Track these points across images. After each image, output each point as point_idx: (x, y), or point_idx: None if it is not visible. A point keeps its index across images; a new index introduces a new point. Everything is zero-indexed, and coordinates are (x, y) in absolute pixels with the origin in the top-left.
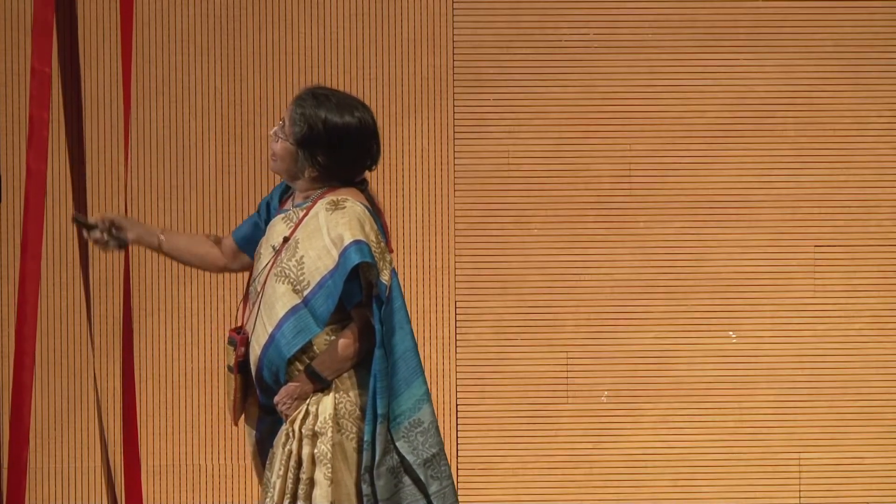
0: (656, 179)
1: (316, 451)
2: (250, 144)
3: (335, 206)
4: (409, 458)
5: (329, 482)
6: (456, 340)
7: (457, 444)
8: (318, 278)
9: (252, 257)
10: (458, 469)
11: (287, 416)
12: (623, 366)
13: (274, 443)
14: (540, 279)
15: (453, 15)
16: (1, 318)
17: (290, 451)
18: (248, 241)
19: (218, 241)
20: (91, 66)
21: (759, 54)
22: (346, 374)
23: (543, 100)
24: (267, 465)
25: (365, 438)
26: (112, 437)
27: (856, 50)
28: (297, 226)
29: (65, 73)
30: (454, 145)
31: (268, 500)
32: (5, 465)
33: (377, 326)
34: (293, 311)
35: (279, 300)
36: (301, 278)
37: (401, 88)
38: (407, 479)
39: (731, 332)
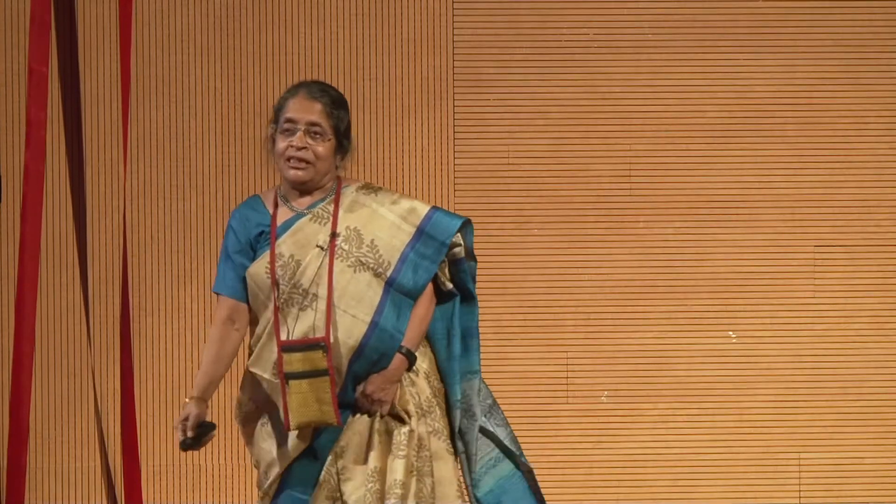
0: (656, 179)
1: (429, 428)
2: (250, 144)
3: (370, 188)
4: (477, 410)
5: (453, 455)
6: None
7: None
8: (397, 256)
9: (251, 301)
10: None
11: (381, 401)
12: (623, 366)
13: (346, 434)
14: (540, 279)
15: (453, 15)
16: (0, 318)
17: (411, 430)
18: (241, 292)
19: (229, 325)
20: (90, 66)
21: (759, 54)
22: (421, 354)
23: (543, 100)
24: (336, 454)
25: (456, 398)
26: (112, 437)
27: (856, 50)
28: (335, 218)
29: (64, 73)
30: (454, 145)
31: (368, 485)
32: (4, 465)
33: (470, 286)
34: (385, 294)
35: (369, 288)
36: (380, 261)
37: (401, 88)
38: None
39: (731, 332)
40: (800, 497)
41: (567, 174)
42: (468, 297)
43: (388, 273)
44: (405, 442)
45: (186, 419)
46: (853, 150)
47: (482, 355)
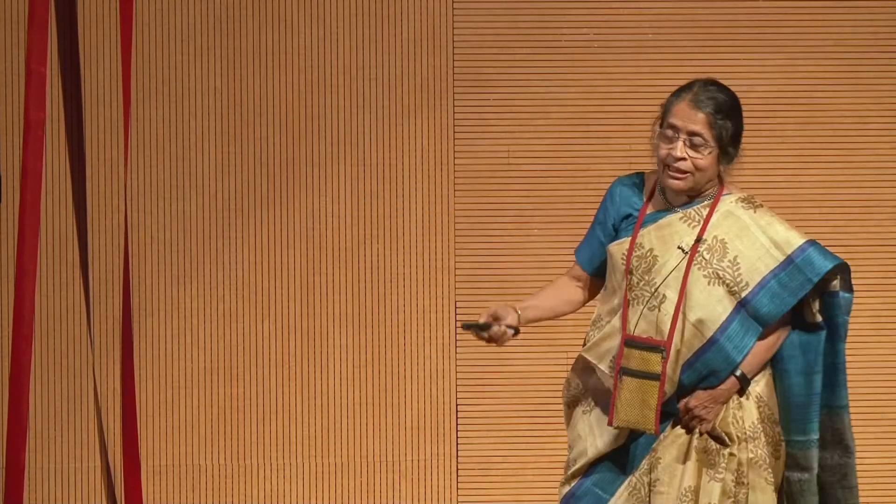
0: None
1: (751, 455)
2: (250, 144)
3: (750, 203)
4: (851, 444)
5: (772, 487)
6: (456, 340)
7: (457, 444)
8: (757, 279)
9: (603, 276)
10: (458, 469)
11: (703, 419)
12: None
13: (662, 445)
14: (540, 279)
15: (453, 15)
16: (0, 318)
17: (731, 454)
18: (595, 266)
19: (573, 280)
20: (91, 66)
21: (759, 54)
22: (759, 377)
23: (543, 100)
24: (651, 464)
25: (811, 437)
26: (112, 437)
27: (856, 50)
28: (705, 225)
29: (65, 73)
30: (454, 145)
31: (681, 503)
32: (4, 465)
33: (839, 321)
34: (735, 312)
35: (720, 302)
36: (738, 279)
37: (401, 88)
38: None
39: None
40: None
41: (567, 174)
42: (835, 333)
43: (744, 293)
44: (724, 465)
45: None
46: (853, 150)
47: (482, 355)
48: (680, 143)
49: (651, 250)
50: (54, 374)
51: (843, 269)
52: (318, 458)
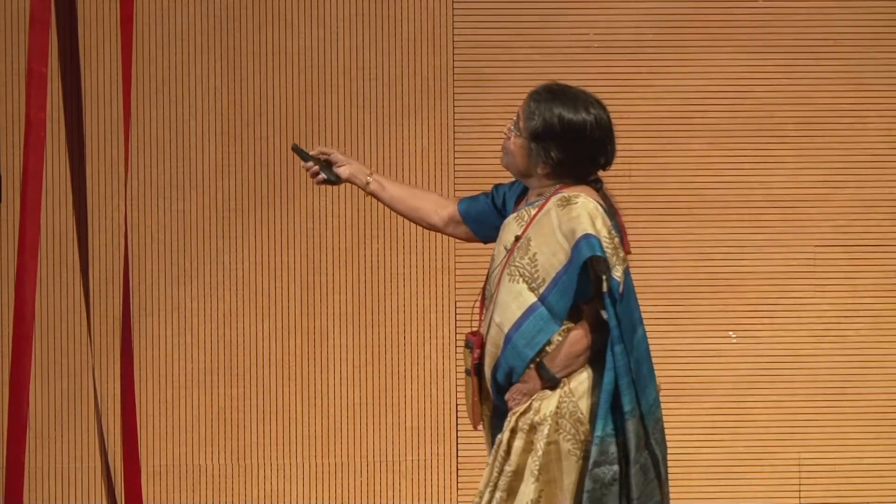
0: (656, 179)
1: (527, 444)
2: (250, 144)
3: (566, 202)
4: (659, 455)
5: (535, 480)
6: (456, 340)
7: (457, 444)
8: (552, 275)
9: (472, 233)
10: (458, 469)
11: (514, 411)
12: None
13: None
14: None
15: (453, 15)
16: (0, 317)
17: (501, 441)
18: (471, 217)
19: (438, 201)
20: (91, 66)
21: (759, 54)
22: (575, 374)
23: None
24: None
25: (597, 434)
26: (112, 437)
27: (856, 50)
28: (528, 224)
29: (65, 73)
30: (454, 145)
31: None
32: (4, 464)
33: (612, 323)
34: (531, 310)
35: (515, 300)
36: (535, 276)
37: (401, 88)
38: (652, 475)
39: (731, 332)
40: (800, 497)
41: None
42: (611, 335)
43: (541, 290)
44: (494, 450)
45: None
46: (853, 150)
47: None
48: (511, 123)
49: (494, 250)
50: (54, 374)
51: (600, 265)
52: (318, 458)
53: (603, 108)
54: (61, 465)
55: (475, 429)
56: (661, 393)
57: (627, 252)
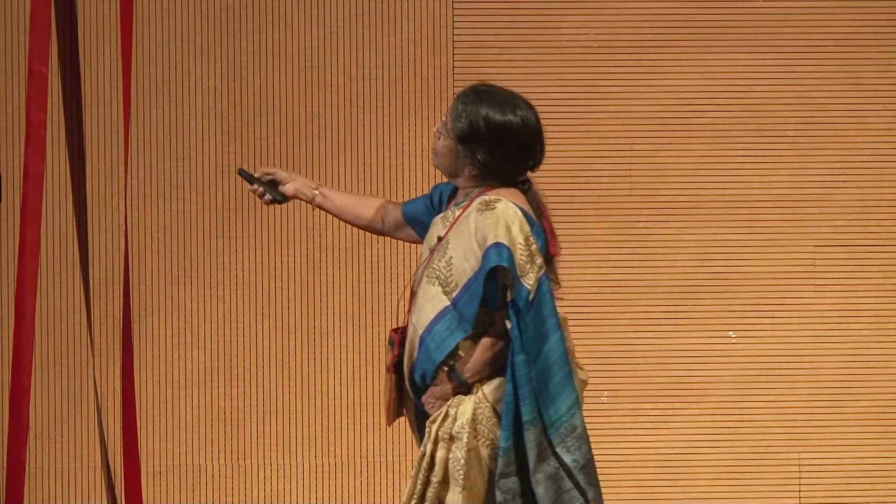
0: (656, 179)
1: (451, 455)
2: (250, 144)
3: (486, 206)
4: (571, 463)
5: (461, 488)
6: None
7: None
8: (464, 280)
9: (417, 235)
10: None
11: (430, 415)
12: (623, 366)
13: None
14: None
15: (453, 15)
16: (0, 317)
17: (424, 453)
18: (414, 219)
19: (384, 207)
20: (91, 66)
21: (759, 54)
22: (489, 380)
23: (543, 100)
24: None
25: (501, 445)
26: (112, 437)
27: (856, 50)
28: (451, 225)
29: (65, 73)
30: None
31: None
32: (4, 464)
33: (514, 332)
34: (443, 313)
35: (429, 302)
36: (450, 279)
37: (401, 88)
38: (568, 484)
39: (731, 332)
40: (800, 497)
41: (567, 174)
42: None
43: (454, 294)
44: (418, 461)
45: (276, 173)
46: (853, 150)
47: None
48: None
49: (423, 247)
50: (54, 374)
51: (506, 275)
52: (318, 458)
53: (531, 109)
54: (61, 465)
55: (388, 426)
56: (663, 392)
57: (555, 255)
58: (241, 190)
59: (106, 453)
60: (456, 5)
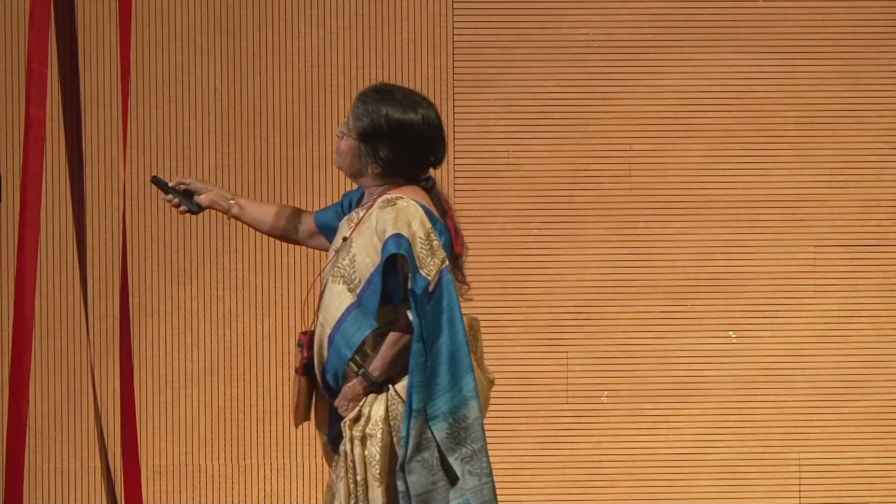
0: (656, 179)
1: (367, 453)
2: (250, 144)
3: (388, 203)
4: (448, 453)
5: (380, 483)
6: None
7: None
8: (367, 275)
9: (329, 242)
10: None
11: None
12: (623, 366)
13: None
14: (540, 279)
15: (453, 15)
16: (0, 317)
17: (346, 453)
18: (326, 226)
19: (297, 216)
20: (90, 66)
21: (759, 54)
22: (401, 377)
23: (543, 100)
24: (332, 467)
25: (402, 434)
26: (112, 437)
27: (856, 50)
28: (356, 226)
29: (64, 73)
30: (454, 145)
31: (335, 502)
32: (4, 465)
33: (415, 321)
34: (349, 309)
35: (335, 300)
36: (353, 276)
37: None
38: (442, 476)
39: (731, 332)
40: (800, 497)
41: (567, 174)
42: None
43: (358, 290)
44: (342, 464)
45: (191, 183)
46: (853, 150)
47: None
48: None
49: (330, 249)
50: (54, 374)
51: (405, 264)
52: (318, 458)
53: (432, 107)
54: (61, 465)
55: (295, 427)
56: (663, 392)
57: (459, 253)
58: (241, 190)
59: (106, 453)
60: (456, 5)
